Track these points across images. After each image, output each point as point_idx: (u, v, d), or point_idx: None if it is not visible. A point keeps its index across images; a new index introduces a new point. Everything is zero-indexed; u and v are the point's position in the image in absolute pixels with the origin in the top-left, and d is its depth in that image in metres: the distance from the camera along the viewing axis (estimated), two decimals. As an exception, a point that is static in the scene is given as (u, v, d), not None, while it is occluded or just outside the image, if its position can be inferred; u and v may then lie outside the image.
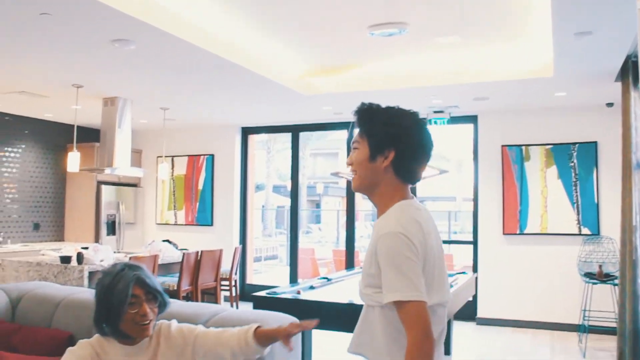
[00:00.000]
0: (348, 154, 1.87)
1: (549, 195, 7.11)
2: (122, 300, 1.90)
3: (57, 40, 4.72)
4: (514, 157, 7.30)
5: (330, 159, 17.39)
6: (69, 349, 1.97)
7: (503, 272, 7.33)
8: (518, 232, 7.25)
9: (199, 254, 6.68)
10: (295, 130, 8.86)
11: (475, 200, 7.69)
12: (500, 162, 7.39)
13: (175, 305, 2.61)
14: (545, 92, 6.37)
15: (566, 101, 6.76)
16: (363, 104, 1.79)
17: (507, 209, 7.31)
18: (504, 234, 7.32)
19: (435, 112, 7.32)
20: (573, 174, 7.01)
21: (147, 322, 1.95)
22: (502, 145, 7.37)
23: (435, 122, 7.32)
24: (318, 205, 20.54)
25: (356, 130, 1.82)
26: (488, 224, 7.46)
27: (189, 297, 6.55)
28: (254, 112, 7.91)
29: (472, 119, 7.69)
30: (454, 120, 7.44)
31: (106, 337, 1.98)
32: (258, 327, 2.02)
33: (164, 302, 2.04)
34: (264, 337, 1.99)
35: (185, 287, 6.38)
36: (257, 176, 9.38)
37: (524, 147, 7.26)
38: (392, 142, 1.73)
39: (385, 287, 1.65)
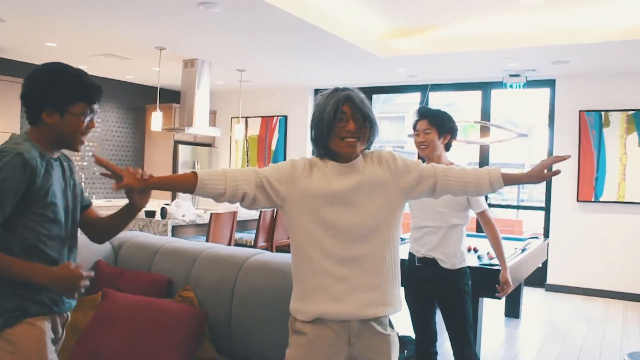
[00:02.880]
0: (416, 132, 3.14)
1: (628, 163, 6.91)
2: (331, 116, 1.96)
3: (143, 3, 4.92)
4: (592, 122, 7.11)
5: (396, 123, 17.14)
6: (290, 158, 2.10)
7: (575, 239, 7.23)
8: (593, 199, 7.11)
9: (275, 212, 6.90)
10: (368, 92, 8.77)
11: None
12: (577, 128, 7.21)
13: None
14: (630, 56, 6.15)
15: (651, 65, 6.51)
16: (425, 108, 3.19)
17: (583, 175, 7.16)
18: (578, 200, 7.20)
19: (511, 75, 7.20)
20: (655, 141, 6.79)
21: (353, 138, 1.97)
22: (580, 111, 7.18)
23: (511, 86, 7.21)
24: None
25: (423, 122, 3.08)
26: (562, 190, 7.34)
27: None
28: (328, 74, 7.98)
29: (549, 83, 7.51)
30: (530, 84, 7.30)
31: (322, 159, 2.05)
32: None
33: (371, 124, 2.02)
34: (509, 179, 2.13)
35: (261, 243, 6.63)
36: (327, 138, 9.45)
37: (603, 113, 7.06)
38: (449, 131, 3.11)
39: (478, 204, 3.06)
